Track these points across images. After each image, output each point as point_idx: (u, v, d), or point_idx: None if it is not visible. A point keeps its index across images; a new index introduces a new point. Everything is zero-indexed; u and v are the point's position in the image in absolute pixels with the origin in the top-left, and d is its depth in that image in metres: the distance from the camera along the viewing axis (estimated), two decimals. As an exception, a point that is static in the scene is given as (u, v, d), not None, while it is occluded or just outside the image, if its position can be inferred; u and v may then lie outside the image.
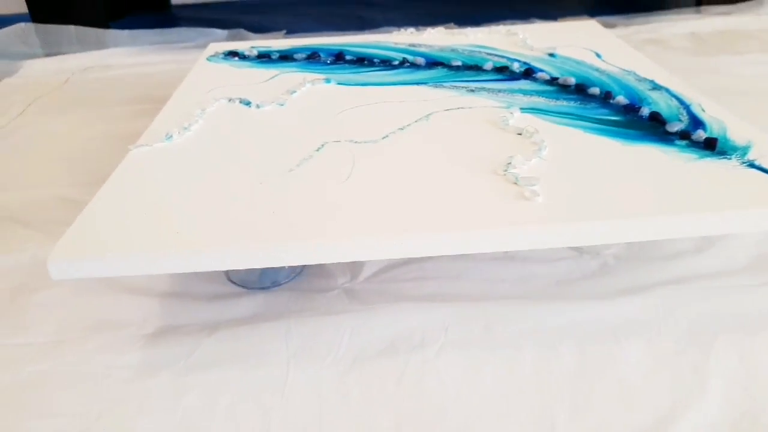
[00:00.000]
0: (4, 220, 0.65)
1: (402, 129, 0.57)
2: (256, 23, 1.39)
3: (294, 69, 0.75)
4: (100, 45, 1.16)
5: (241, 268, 0.52)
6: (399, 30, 0.88)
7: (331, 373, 0.43)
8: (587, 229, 0.42)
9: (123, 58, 1.13)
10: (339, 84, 0.69)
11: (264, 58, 0.79)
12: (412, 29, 0.87)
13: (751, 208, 0.42)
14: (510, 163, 0.49)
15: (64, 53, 1.16)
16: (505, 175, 0.47)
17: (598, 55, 0.74)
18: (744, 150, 0.50)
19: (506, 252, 0.55)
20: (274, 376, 0.43)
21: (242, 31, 1.25)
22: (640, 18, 1.26)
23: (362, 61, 0.76)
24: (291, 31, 1.32)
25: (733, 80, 0.92)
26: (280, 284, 0.53)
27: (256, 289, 0.52)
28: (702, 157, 0.49)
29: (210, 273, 0.54)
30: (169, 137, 0.57)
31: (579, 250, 0.55)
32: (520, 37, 0.81)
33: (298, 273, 0.54)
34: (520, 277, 0.52)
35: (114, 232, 0.43)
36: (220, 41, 1.19)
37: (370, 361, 0.43)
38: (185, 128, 0.59)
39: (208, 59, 0.80)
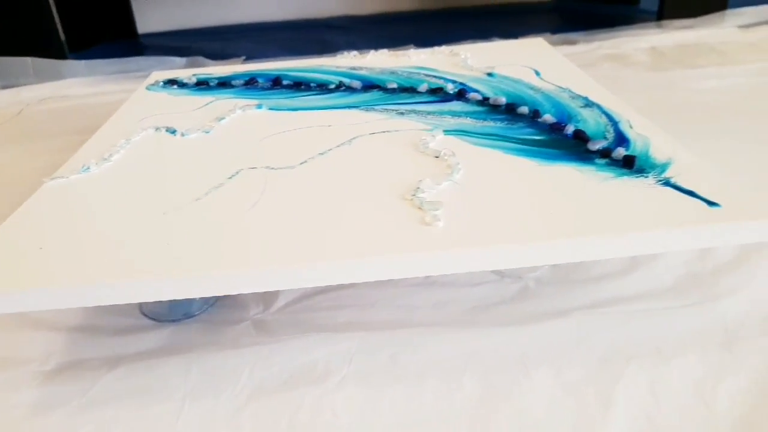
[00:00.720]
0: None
1: (322, 154, 0.56)
2: (220, 50, 1.39)
3: (230, 96, 0.74)
4: (58, 76, 1.16)
5: (144, 301, 0.51)
6: (343, 53, 0.87)
7: (225, 410, 0.41)
8: (483, 254, 0.40)
9: (80, 88, 1.13)
10: (270, 109, 0.69)
11: (203, 85, 0.79)
12: (355, 52, 0.87)
13: (659, 228, 0.41)
14: (418, 188, 0.47)
15: (21, 85, 1.15)
16: (411, 200, 0.46)
17: (537, 73, 0.73)
18: (662, 167, 0.48)
19: (426, 277, 0.53)
20: (168, 413, 0.41)
21: (201, 59, 1.25)
22: (603, 34, 1.26)
23: (299, 85, 0.75)
24: (253, 57, 1.32)
25: (686, 94, 0.91)
26: (192, 316, 0.51)
27: (167, 322, 0.51)
28: (619, 175, 0.48)
29: (122, 306, 0.52)
30: (85, 169, 0.56)
31: (500, 274, 0.53)
32: (462, 57, 0.81)
33: (211, 304, 0.52)
34: (436, 303, 0.50)
35: (14, 266, 0.42)
36: (178, 68, 1.19)
37: (267, 396, 0.42)
38: (105, 159, 0.58)
39: (147, 88, 0.80)
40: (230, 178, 0.52)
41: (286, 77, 0.78)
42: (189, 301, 0.51)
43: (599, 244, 0.40)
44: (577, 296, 0.49)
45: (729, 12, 1.26)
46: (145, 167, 0.56)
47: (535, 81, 0.71)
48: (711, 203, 0.43)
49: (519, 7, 1.71)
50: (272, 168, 0.54)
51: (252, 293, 0.52)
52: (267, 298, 0.52)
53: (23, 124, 0.99)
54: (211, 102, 0.72)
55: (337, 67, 0.82)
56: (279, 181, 0.51)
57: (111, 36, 1.59)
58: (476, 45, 0.88)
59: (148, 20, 1.67)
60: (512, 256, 0.41)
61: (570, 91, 0.67)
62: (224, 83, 0.78)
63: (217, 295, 0.42)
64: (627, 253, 0.41)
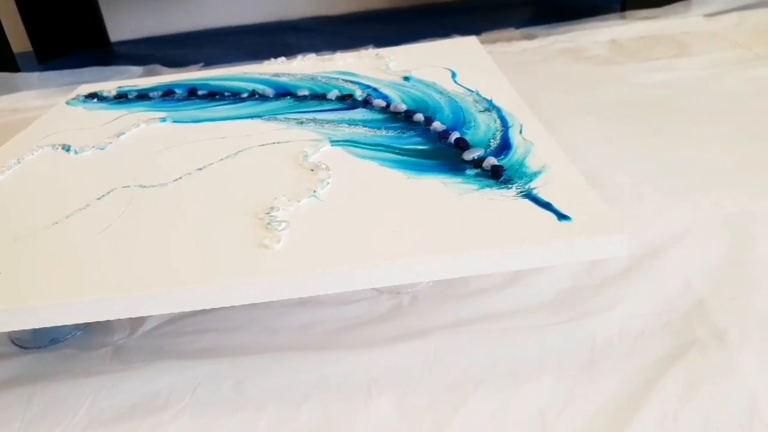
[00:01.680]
0: None
1: (200, 169, 0.54)
2: (184, 57, 1.39)
3: (145, 108, 0.73)
4: (12, 89, 1.17)
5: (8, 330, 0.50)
6: (270, 60, 0.85)
7: (55, 445, 0.40)
8: (315, 275, 0.38)
9: (33, 101, 1.13)
10: (175, 122, 0.67)
11: (122, 98, 0.78)
12: (282, 58, 0.85)
13: (500, 244, 0.39)
14: (272, 206, 0.45)
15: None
16: (262, 219, 0.44)
17: (454, 75, 0.71)
18: (531, 177, 0.46)
19: (300, 297, 0.51)
20: (-3, 450, 0.40)
21: (157, 67, 1.24)
22: (565, 27, 1.22)
23: (214, 95, 0.74)
24: (215, 62, 1.31)
25: (633, 89, 0.87)
26: (59, 341, 0.50)
27: (33, 349, 0.50)
28: (482, 187, 0.45)
29: (-8, 332, 0.52)
30: (-38, 192, 0.55)
31: (378, 290, 0.51)
32: (385, 60, 0.78)
33: (81, 329, 0.51)
34: (303, 324, 0.48)
35: None
36: (135, 77, 1.19)
37: (101, 428, 0.40)
38: (-12, 178, 0.57)
39: (67, 103, 0.79)
40: (99, 198, 0.51)
41: (202, 87, 0.76)
42: (56, 327, 0.50)
43: (436, 263, 0.38)
44: (448, 313, 0.47)
45: (696, 0, 1.21)
46: (23, 190, 0.55)
47: (448, 84, 0.68)
48: (562, 216, 0.40)
49: (493, 3, 1.67)
50: (144, 186, 0.52)
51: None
52: (134, 322, 0.50)
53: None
54: (121, 116, 0.71)
55: (261, 74, 0.81)
56: (146, 200, 0.50)
57: (83, 45, 1.60)
58: (407, 47, 0.86)
59: (120, 28, 1.68)
60: (346, 278, 0.39)
61: (478, 94, 0.64)
62: (143, 95, 0.77)
63: (45, 325, 0.41)
64: (470, 272, 0.39)
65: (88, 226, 0.47)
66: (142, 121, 0.67)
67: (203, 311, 0.51)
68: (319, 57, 0.84)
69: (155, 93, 0.77)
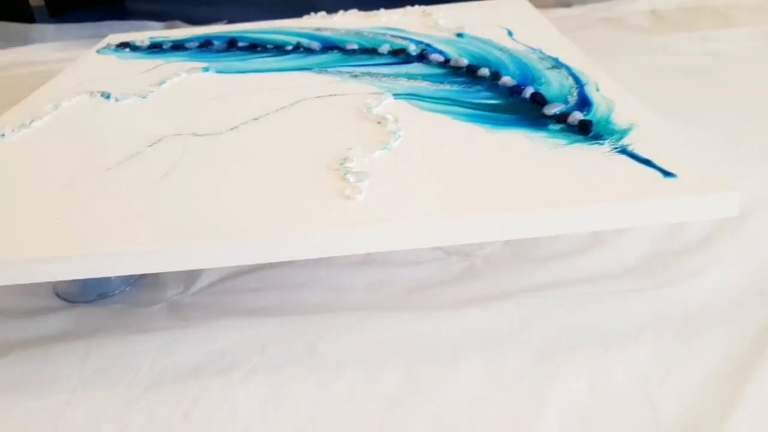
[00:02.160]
0: None
1: (257, 119, 0.51)
2: (203, 15, 1.34)
3: (182, 58, 0.69)
4: (25, 41, 1.12)
5: (54, 280, 0.47)
6: (310, 15, 0.81)
7: (118, 402, 0.37)
8: (405, 229, 0.36)
9: (48, 53, 1.08)
10: (219, 72, 0.64)
11: (156, 48, 0.74)
12: (323, 12, 0.81)
13: (604, 200, 0.36)
14: (347, 158, 0.42)
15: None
16: (337, 170, 0.41)
17: (510, 34, 0.67)
18: (622, 133, 0.43)
19: (367, 255, 0.49)
20: (54, 405, 0.37)
21: (179, 23, 1.19)
22: (602, -5, 1.18)
23: (255, 47, 0.70)
24: (236, 21, 1.26)
25: (681, 58, 0.84)
26: (107, 296, 0.47)
27: (80, 303, 0.47)
28: (572, 142, 0.42)
29: (35, 286, 0.49)
30: (0, 135, 0.52)
31: (446, 251, 0.48)
32: (434, 17, 0.75)
33: (130, 284, 0.48)
34: (371, 283, 0.45)
35: None
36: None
37: (165, 388, 0.38)
38: (24, 125, 0.53)
39: (97, 51, 0.75)
40: (150, 146, 0.48)
41: (243, 39, 0.72)
42: (105, 281, 0.47)
43: (530, 220, 0.35)
44: (525, 277, 0.45)
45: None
46: (66, 135, 0.52)
47: (506, 42, 0.65)
48: (667, 173, 0.37)
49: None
50: (197, 134, 0.49)
51: (175, 272, 0.49)
52: (188, 278, 0.47)
53: (-15, 92, 0.95)
54: (158, 66, 0.67)
55: (301, 28, 0.77)
56: (201, 148, 0.47)
57: (96, 1, 1.54)
58: (452, 5, 0.82)
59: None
60: (437, 232, 0.36)
61: (541, 52, 0.61)
62: (178, 46, 0.73)
63: (115, 274, 0.38)
64: (566, 230, 0.36)
65: (143, 173, 0.44)
66: (184, 71, 0.64)
67: (261, 268, 0.48)
68: (361, 13, 0.80)
69: (192, 44, 0.73)
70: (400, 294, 0.44)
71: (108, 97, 0.59)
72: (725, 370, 0.36)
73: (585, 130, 0.43)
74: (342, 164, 0.42)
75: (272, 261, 0.36)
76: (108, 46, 0.76)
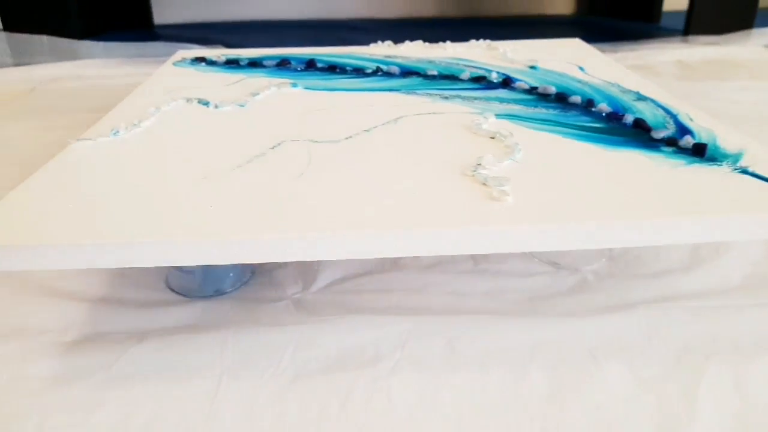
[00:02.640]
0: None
1: (368, 131, 0.53)
2: (239, 42, 1.36)
3: (263, 74, 0.71)
4: (73, 56, 1.13)
5: (180, 273, 0.47)
6: (377, 43, 0.84)
7: (267, 390, 0.37)
8: (562, 231, 0.37)
9: (95, 69, 1.09)
10: (306, 89, 0.65)
11: (232, 64, 0.76)
12: (389, 42, 0.84)
13: (747, 213, 0.38)
14: (480, 164, 0.44)
15: (35, 63, 1.12)
16: (473, 176, 0.43)
17: (581, 69, 0.71)
18: (735, 157, 0.45)
19: (476, 265, 0.50)
20: (201, 392, 0.37)
21: (221, 47, 1.22)
22: (627, 46, 1.24)
23: (334, 69, 0.72)
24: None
25: (725, 105, 0.89)
26: (224, 293, 0.47)
27: (197, 298, 0.47)
28: (690, 162, 0.45)
29: (147, 279, 0.49)
30: (115, 132, 0.52)
31: (555, 266, 0.50)
32: (501, 51, 0.78)
33: (244, 282, 0.48)
34: (489, 291, 0.47)
35: (41, 221, 0.38)
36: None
37: (314, 378, 0.38)
38: (135, 125, 0.54)
39: (174, 64, 0.76)
40: (273, 148, 0.49)
41: (320, 60, 0.75)
42: (221, 277, 0.48)
43: (703, 226, 0.37)
44: (639, 290, 0.46)
45: (755, 31, 1.25)
46: (179, 135, 0.53)
47: (580, 75, 0.68)
48: (798, 191, 0.40)
49: (539, 19, 1.70)
50: (316, 141, 0.50)
51: (290, 272, 0.49)
52: (306, 277, 0.48)
53: (36, 101, 0.95)
54: (241, 80, 0.69)
55: (372, 54, 0.79)
56: (324, 153, 0.48)
57: (126, 24, 1.56)
58: (514, 42, 0.86)
59: (164, 11, 1.64)
60: (588, 236, 0.38)
61: (619, 86, 0.64)
62: (255, 63, 0.75)
63: (271, 261, 0.38)
64: (716, 238, 0.38)
65: (276, 171, 0.45)
66: (273, 85, 0.65)
67: (376, 271, 0.49)
68: (426, 45, 0.84)
69: (269, 62, 0.75)
70: (521, 302, 0.45)
71: (207, 104, 0.60)
72: None
73: (701, 153, 0.46)
74: (475, 171, 0.43)
75: (430, 254, 0.37)
76: (183, 60, 0.78)
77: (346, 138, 0.51)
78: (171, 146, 0.50)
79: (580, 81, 0.66)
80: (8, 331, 0.43)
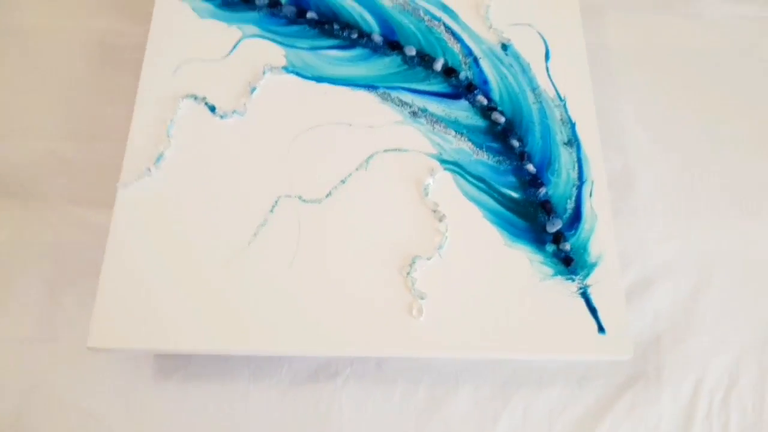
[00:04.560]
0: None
1: (343, 182, 0.69)
2: None
3: (255, 27, 0.77)
4: None
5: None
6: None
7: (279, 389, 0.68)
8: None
9: None
10: (296, 75, 0.74)
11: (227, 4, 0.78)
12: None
13: (561, 353, 0.63)
14: (412, 264, 0.65)
15: None
16: (407, 277, 0.64)
17: (547, 56, 0.78)
18: (590, 268, 0.66)
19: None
20: (239, 388, 0.68)
21: None
22: None
23: (322, 25, 0.77)
24: None
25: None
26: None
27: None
28: (555, 274, 0.66)
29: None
30: (147, 172, 0.68)
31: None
32: (486, 2, 0.80)
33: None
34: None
35: (144, 307, 0.61)
36: None
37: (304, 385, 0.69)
38: (160, 156, 0.68)
39: (174, -9, 0.78)
40: (271, 211, 0.67)
41: (311, 4, 0.78)
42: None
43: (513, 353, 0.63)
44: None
45: None
46: (198, 177, 0.68)
47: (541, 72, 0.76)
48: (601, 329, 0.64)
49: None
50: (303, 200, 0.67)
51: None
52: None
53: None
54: (239, 41, 0.76)
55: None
56: (310, 220, 0.66)
57: None
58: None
59: None
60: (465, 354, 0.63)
61: (565, 106, 0.74)
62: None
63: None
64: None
65: (272, 256, 0.65)
66: (267, 68, 0.74)
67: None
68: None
69: (261, 0, 0.78)
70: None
71: (213, 110, 0.71)
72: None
73: (567, 264, 0.66)
74: (408, 273, 0.65)
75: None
76: (177, -20, 0.79)
77: (327, 196, 0.68)
78: (197, 202, 0.67)
79: (535, 90, 0.75)
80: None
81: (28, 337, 0.70)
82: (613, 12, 0.95)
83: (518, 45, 0.78)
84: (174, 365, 0.69)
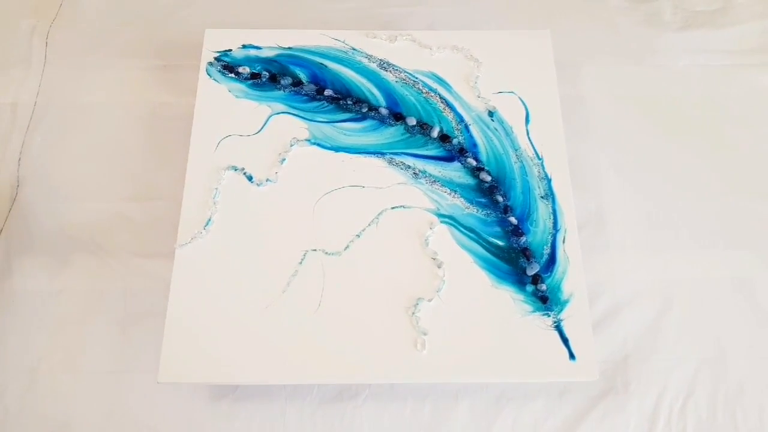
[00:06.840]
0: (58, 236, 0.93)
1: (358, 236, 0.84)
2: None
3: (281, 104, 0.92)
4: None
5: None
6: (375, 34, 0.97)
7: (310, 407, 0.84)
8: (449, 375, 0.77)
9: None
10: (318, 146, 0.89)
11: (256, 79, 0.93)
12: (383, 35, 0.96)
13: (537, 378, 0.77)
14: (416, 305, 0.80)
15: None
16: (412, 316, 0.79)
17: (527, 119, 0.91)
18: (563, 305, 0.80)
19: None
20: (276, 406, 0.84)
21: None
22: None
23: (338, 101, 0.92)
24: None
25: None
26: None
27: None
28: (534, 311, 0.80)
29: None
30: (200, 235, 0.83)
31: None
32: (474, 72, 0.94)
33: (288, 322, 0.89)
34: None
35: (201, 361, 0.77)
36: None
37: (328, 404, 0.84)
38: (209, 221, 0.84)
39: (207, 72, 0.93)
40: (300, 263, 0.82)
41: (328, 82, 0.93)
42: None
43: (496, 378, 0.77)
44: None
45: None
46: (240, 236, 0.83)
47: (521, 136, 0.90)
48: (572, 356, 0.78)
49: None
50: (327, 253, 0.82)
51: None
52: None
53: (74, 23, 1.09)
54: (269, 118, 0.91)
55: (369, 58, 0.95)
56: (332, 272, 0.81)
57: None
58: (483, 34, 0.98)
59: None
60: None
61: (542, 165, 0.88)
62: (274, 78, 0.93)
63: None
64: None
65: (301, 302, 0.80)
66: (294, 141, 0.89)
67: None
68: (416, 42, 0.97)
69: (285, 80, 0.93)
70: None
71: (251, 179, 0.87)
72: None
73: (544, 302, 0.80)
74: (413, 312, 0.79)
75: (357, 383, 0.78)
76: (213, 65, 0.94)
77: (345, 248, 0.83)
78: (241, 260, 0.82)
79: (517, 150, 0.89)
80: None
81: (104, 369, 0.86)
82: (588, 65, 1.09)
83: (502, 110, 0.93)
84: (225, 390, 0.85)
